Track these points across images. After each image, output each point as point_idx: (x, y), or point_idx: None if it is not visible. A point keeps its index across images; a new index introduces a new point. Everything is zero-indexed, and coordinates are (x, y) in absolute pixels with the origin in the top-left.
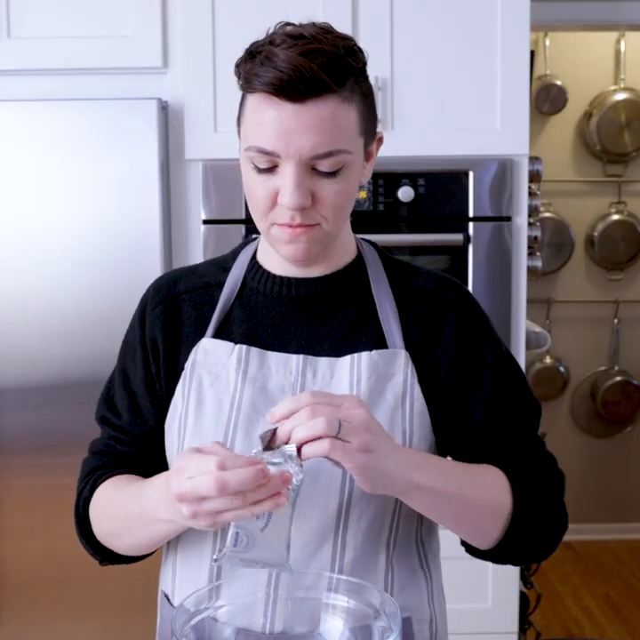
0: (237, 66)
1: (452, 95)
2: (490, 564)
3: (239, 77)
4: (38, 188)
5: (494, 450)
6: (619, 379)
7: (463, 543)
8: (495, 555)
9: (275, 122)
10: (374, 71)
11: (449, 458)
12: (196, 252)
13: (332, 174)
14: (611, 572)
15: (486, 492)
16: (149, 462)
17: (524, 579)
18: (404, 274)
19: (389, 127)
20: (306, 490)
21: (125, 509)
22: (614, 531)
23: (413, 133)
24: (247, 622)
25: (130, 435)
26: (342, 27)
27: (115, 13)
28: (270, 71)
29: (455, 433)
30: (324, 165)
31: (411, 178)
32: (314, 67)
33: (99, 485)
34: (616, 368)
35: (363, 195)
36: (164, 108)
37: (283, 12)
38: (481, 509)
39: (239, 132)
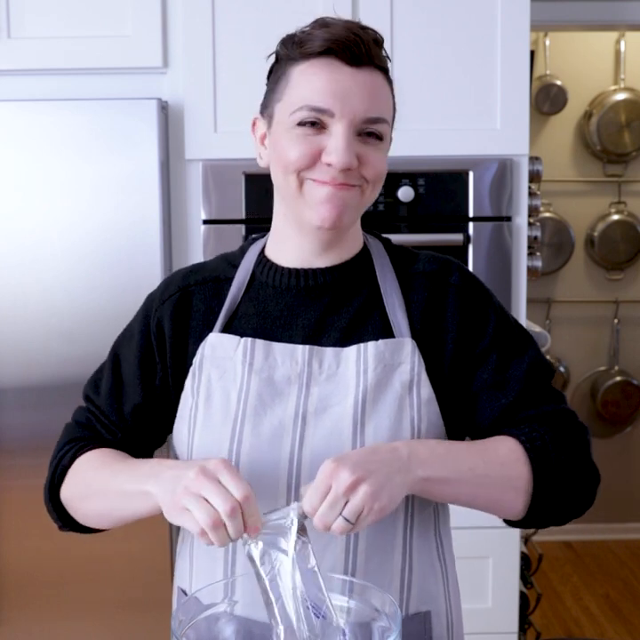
0: (282, 43)
1: (452, 95)
2: (490, 564)
3: (286, 50)
4: (38, 188)
5: (510, 422)
6: (619, 379)
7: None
8: (529, 522)
9: (330, 81)
10: None
11: (468, 438)
12: (196, 252)
13: (378, 140)
14: (611, 572)
15: (501, 466)
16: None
17: (524, 579)
18: (405, 260)
19: None
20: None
21: (111, 476)
22: (614, 531)
23: (413, 133)
24: (261, 616)
25: (107, 418)
26: None
27: (115, 13)
28: (329, 33)
29: (468, 415)
30: (372, 130)
31: (411, 178)
32: (368, 39)
33: (80, 455)
34: (616, 368)
35: None
36: (163, 108)
37: (283, 12)
38: (498, 486)
39: (273, 105)
